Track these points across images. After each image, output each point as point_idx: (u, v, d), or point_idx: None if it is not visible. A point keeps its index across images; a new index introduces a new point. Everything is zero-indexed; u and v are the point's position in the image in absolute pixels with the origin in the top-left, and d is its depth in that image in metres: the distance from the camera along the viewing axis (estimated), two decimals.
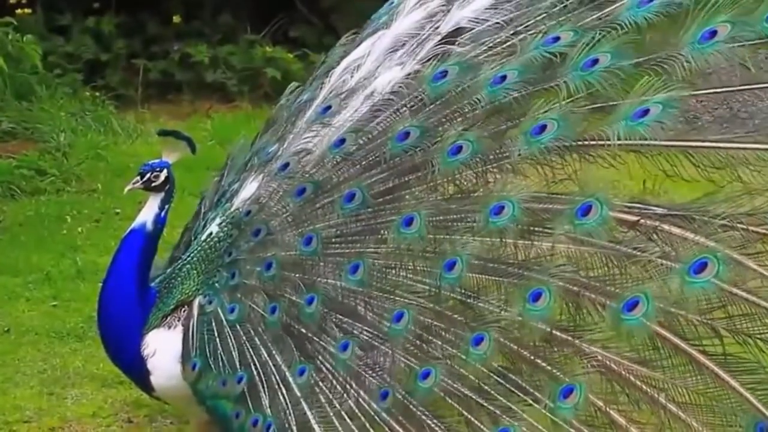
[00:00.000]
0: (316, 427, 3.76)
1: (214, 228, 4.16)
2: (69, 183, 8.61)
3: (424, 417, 3.63)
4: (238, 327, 3.96)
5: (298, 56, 11.38)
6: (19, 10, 10.84)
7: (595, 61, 3.53)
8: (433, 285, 3.65)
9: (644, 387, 3.40)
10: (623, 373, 3.41)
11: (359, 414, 3.71)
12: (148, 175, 4.12)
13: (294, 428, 3.79)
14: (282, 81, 10.24)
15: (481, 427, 3.55)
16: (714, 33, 3.35)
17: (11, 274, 6.87)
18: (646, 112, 3.39)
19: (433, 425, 3.62)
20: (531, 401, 3.53)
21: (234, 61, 11.51)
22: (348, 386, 3.74)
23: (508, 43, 3.82)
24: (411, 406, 3.64)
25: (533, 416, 3.53)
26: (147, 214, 4.16)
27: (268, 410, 3.84)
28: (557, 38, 3.68)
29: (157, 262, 4.27)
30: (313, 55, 10.75)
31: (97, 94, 10.75)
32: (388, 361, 3.69)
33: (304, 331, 3.87)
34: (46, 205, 8.15)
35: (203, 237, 4.17)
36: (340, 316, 3.82)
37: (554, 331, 3.47)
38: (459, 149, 3.70)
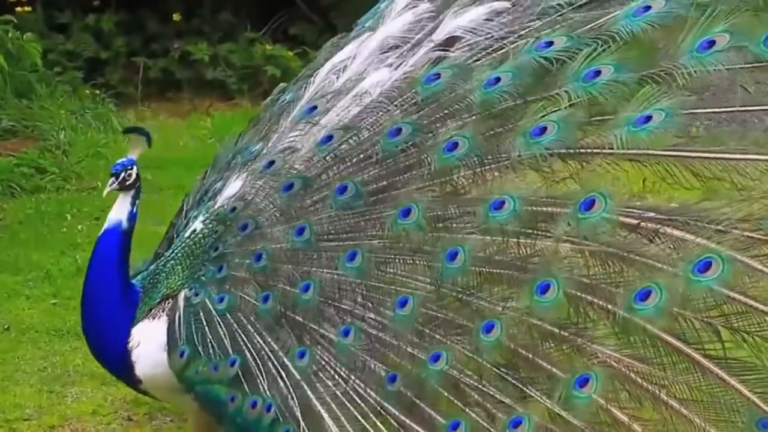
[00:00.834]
0: (319, 407, 3.78)
1: (197, 225, 4.19)
2: (69, 181, 8.63)
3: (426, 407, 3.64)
4: (228, 315, 3.99)
5: (297, 54, 11.40)
6: (19, 8, 10.87)
7: (598, 73, 3.53)
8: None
9: (645, 384, 3.40)
10: (623, 370, 3.41)
11: (365, 397, 3.73)
12: (122, 174, 4.17)
13: (297, 409, 3.81)
14: (282, 79, 10.21)
15: (498, 414, 3.54)
16: (712, 43, 3.36)
17: (11, 272, 6.88)
18: (648, 118, 3.40)
19: (434, 414, 3.63)
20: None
21: (234, 59, 11.53)
22: (350, 371, 3.76)
23: (503, 50, 3.82)
24: (420, 392, 3.64)
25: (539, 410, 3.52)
26: (120, 211, 4.20)
27: (267, 392, 3.86)
28: (550, 43, 3.69)
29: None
30: (313, 53, 10.62)
31: (97, 92, 10.77)
32: (396, 345, 3.70)
33: (300, 318, 3.89)
34: (46, 203, 8.16)
35: (186, 234, 4.21)
36: (338, 303, 3.83)
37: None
38: (455, 146, 3.71)
